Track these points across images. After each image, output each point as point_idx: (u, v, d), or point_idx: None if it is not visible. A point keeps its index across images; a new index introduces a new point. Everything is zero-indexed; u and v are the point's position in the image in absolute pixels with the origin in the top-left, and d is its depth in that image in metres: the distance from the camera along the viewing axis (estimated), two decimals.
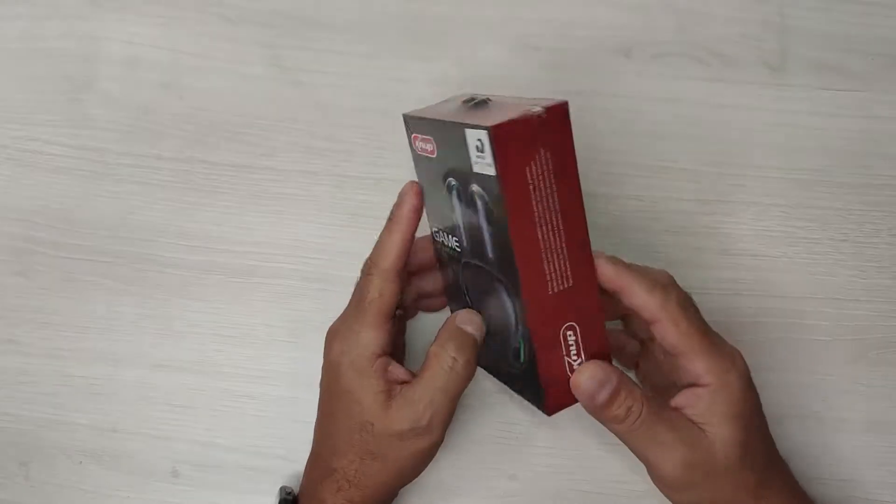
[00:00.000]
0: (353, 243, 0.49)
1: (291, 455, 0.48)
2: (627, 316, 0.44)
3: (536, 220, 0.35)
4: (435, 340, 0.40)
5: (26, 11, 0.50)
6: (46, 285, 0.50)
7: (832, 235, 0.49)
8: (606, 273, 0.37)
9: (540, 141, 0.34)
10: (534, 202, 0.35)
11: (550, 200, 0.35)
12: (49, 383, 0.49)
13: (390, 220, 0.41)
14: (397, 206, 0.40)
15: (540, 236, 0.35)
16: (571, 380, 0.38)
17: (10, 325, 0.50)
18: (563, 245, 0.36)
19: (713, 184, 0.49)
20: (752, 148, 0.49)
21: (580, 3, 0.49)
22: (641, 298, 0.37)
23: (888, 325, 0.49)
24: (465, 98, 0.39)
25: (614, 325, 0.45)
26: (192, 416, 0.49)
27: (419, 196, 0.40)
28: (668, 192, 0.49)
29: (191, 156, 0.49)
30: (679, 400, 0.39)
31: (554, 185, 0.35)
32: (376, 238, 0.48)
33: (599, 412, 0.38)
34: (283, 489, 0.45)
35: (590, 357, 0.38)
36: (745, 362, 0.39)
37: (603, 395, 0.37)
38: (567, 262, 0.36)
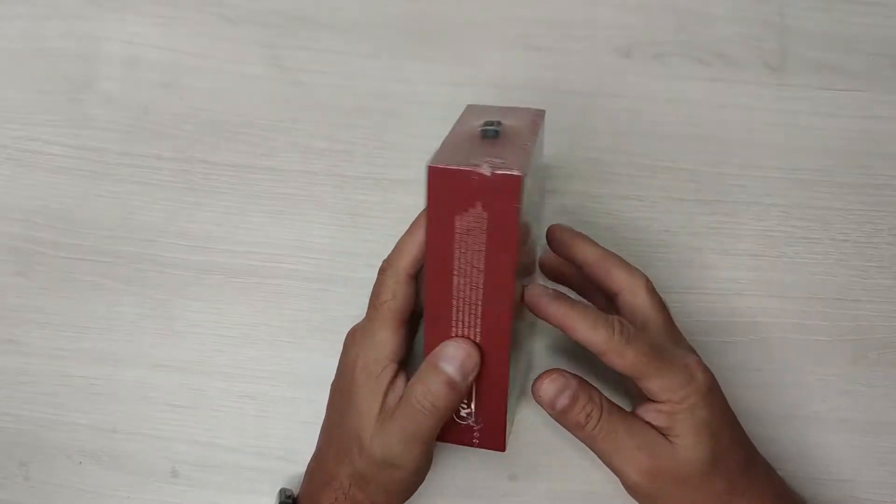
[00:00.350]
0: (353, 243, 0.49)
1: (292, 456, 0.48)
2: None
3: (455, 269, 0.35)
4: (417, 372, 0.39)
5: (26, 11, 0.50)
6: (46, 285, 0.50)
7: (832, 235, 0.49)
8: (550, 311, 0.38)
9: (478, 198, 0.33)
10: (456, 251, 0.35)
11: (476, 257, 0.35)
12: (49, 383, 0.49)
13: (413, 223, 0.40)
14: (423, 212, 0.40)
15: (455, 285, 0.36)
16: (532, 387, 0.39)
17: (10, 325, 0.50)
18: (480, 303, 0.36)
19: (713, 184, 0.49)
20: (752, 148, 0.49)
21: (580, 3, 0.49)
22: (585, 335, 0.38)
23: (888, 326, 0.49)
24: (487, 120, 0.38)
25: None
26: (192, 416, 0.49)
27: None
28: (668, 192, 0.49)
29: (191, 156, 0.49)
30: (640, 411, 0.39)
31: (484, 245, 0.35)
32: (377, 238, 0.48)
33: (560, 418, 0.39)
34: (282, 491, 0.45)
35: (479, 412, 0.39)
36: (705, 373, 0.39)
37: (562, 401, 0.38)
38: (479, 320, 0.36)
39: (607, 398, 0.39)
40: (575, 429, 0.39)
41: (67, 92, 0.49)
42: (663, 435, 0.39)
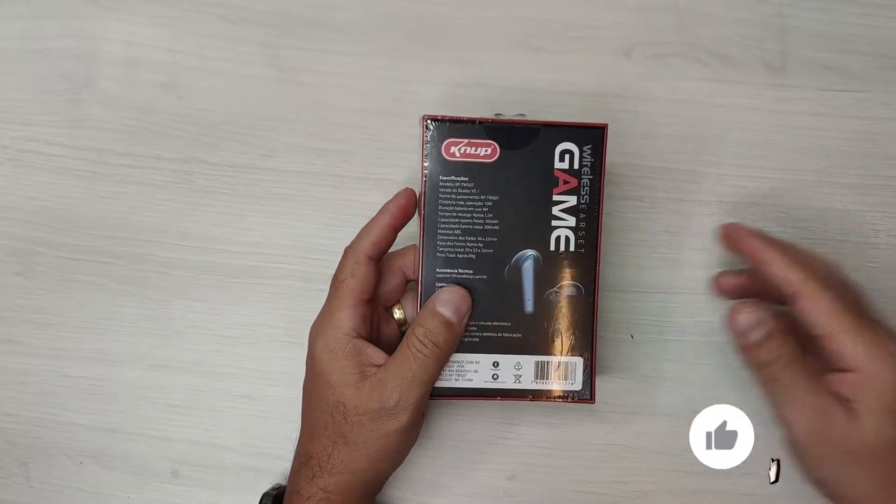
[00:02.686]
0: None
1: (291, 455, 0.48)
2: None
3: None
4: (414, 320, 0.41)
5: (26, 11, 0.50)
6: (46, 285, 0.50)
7: (832, 235, 0.49)
8: (746, 245, 0.39)
9: None
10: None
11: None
12: (49, 383, 0.49)
13: (379, 211, 0.42)
14: (388, 201, 0.42)
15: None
16: (730, 312, 0.39)
17: (10, 325, 0.50)
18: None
19: (713, 184, 0.49)
20: (752, 148, 0.49)
21: (580, 3, 0.49)
22: (781, 271, 0.37)
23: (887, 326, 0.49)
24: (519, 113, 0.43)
25: None
26: (192, 416, 0.49)
27: (410, 198, 0.41)
28: (668, 192, 0.49)
29: (191, 156, 0.49)
30: (827, 380, 0.37)
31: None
32: None
33: (748, 350, 0.38)
34: (274, 486, 0.46)
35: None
36: None
37: (756, 335, 0.38)
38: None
39: (797, 348, 0.37)
40: (757, 366, 0.38)
41: (67, 92, 0.49)
42: (846, 405, 0.36)
